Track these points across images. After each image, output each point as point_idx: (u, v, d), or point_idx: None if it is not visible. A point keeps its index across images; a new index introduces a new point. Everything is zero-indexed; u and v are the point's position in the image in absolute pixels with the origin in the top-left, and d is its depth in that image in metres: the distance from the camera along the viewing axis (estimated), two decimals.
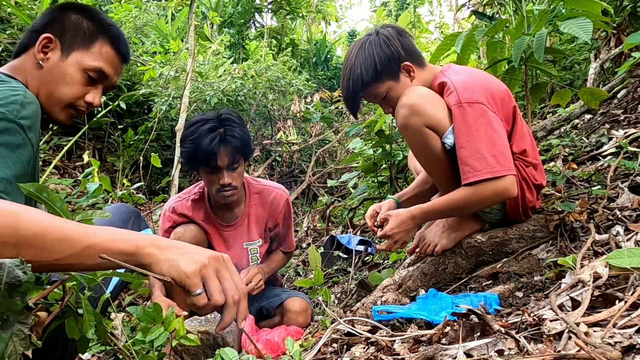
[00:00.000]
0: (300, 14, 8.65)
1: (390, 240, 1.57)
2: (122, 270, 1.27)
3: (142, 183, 3.16)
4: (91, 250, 0.70)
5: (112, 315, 1.31)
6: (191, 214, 1.91)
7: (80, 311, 0.82)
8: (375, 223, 1.64)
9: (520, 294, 1.30)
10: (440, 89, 1.52)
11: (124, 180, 3.43)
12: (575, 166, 2.04)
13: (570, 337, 0.84)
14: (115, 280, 1.25)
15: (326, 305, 1.88)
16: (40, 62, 1.11)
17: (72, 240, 0.70)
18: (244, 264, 1.99)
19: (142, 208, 3.97)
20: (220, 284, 0.75)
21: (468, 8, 4.16)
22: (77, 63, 1.13)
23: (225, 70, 5.08)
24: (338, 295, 2.22)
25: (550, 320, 0.93)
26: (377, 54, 1.53)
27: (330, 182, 4.13)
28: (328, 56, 8.95)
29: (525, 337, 0.92)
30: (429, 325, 1.23)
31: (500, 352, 0.91)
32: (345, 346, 1.24)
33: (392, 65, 1.54)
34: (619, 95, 2.77)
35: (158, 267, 0.73)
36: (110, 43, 1.19)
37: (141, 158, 3.50)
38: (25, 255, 0.64)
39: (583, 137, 2.46)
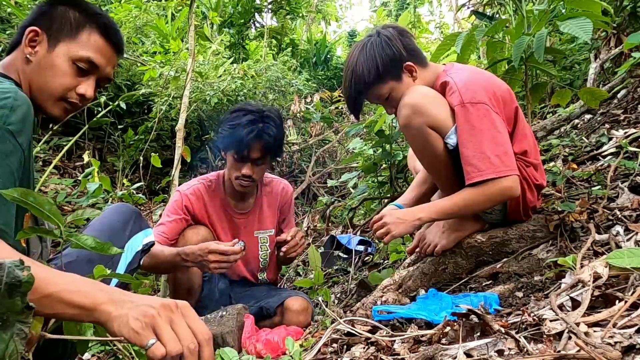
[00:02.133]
0: (300, 14, 8.65)
1: (384, 229, 1.52)
2: (121, 272, 1.27)
3: (142, 183, 3.16)
4: (49, 300, 0.70)
5: None
6: (206, 194, 1.96)
7: None
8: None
9: (520, 294, 1.30)
10: (443, 89, 1.51)
11: (124, 180, 3.43)
12: (575, 166, 2.04)
13: (570, 337, 0.84)
14: (114, 281, 1.25)
15: (326, 305, 1.88)
16: (29, 56, 1.08)
17: (33, 287, 0.68)
18: (254, 252, 2.04)
19: (142, 208, 3.97)
20: (175, 333, 0.71)
21: (468, 8, 4.16)
22: (64, 54, 1.09)
23: (225, 70, 5.08)
24: (338, 295, 2.22)
25: (550, 320, 0.93)
26: (379, 55, 1.52)
27: (330, 182, 4.13)
28: (328, 56, 8.94)
29: (525, 337, 0.92)
30: (429, 325, 1.23)
31: (500, 352, 0.91)
32: (345, 346, 1.24)
33: (394, 65, 1.53)
34: (619, 95, 2.77)
35: (110, 324, 0.71)
36: (99, 32, 1.14)
37: (141, 158, 3.50)
38: None
39: (583, 137, 2.46)
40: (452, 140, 1.45)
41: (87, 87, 1.13)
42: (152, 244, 1.41)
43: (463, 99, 1.42)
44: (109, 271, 0.93)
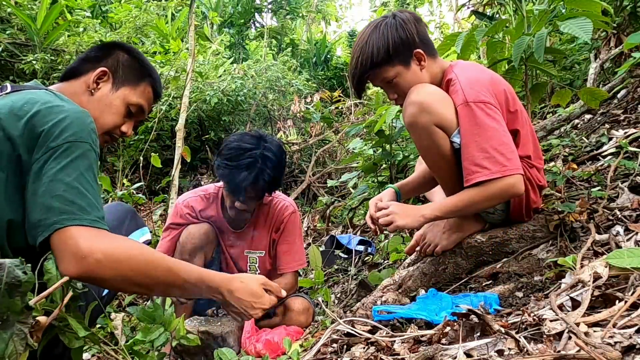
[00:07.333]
0: (300, 14, 8.66)
1: (389, 217, 1.51)
2: None
3: (142, 183, 3.16)
4: (194, 283, 1.08)
5: (112, 315, 1.31)
6: (201, 208, 1.95)
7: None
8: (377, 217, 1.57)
9: (520, 294, 1.30)
10: (447, 86, 1.51)
11: (124, 180, 3.43)
12: (575, 166, 2.03)
13: (570, 337, 0.84)
14: None
15: (326, 305, 1.88)
16: (93, 90, 1.26)
17: (200, 278, 1.11)
18: (241, 271, 2.01)
19: (142, 208, 3.97)
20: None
21: (468, 8, 4.16)
22: (123, 97, 1.29)
23: (225, 70, 5.09)
24: (338, 295, 2.22)
25: (550, 320, 0.93)
26: (392, 36, 1.49)
27: (330, 182, 4.13)
28: (328, 56, 8.94)
29: (525, 337, 0.92)
30: (429, 325, 1.23)
31: (500, 352, 0.91)
32: (345, 346, 1.24)
33: (405, 50, 1.50)
34: (619, 95, 2.77)
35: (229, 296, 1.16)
36: (152, 85, 1.37)
37: (141, 158, 3.50)
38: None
39: (583, 137, 2.46)
40: (458, 139, 1.44)
41: (129, 127, 1.34)
42: (148, 242, 1.42)
43: (467, 97, 1.41)
44: None
